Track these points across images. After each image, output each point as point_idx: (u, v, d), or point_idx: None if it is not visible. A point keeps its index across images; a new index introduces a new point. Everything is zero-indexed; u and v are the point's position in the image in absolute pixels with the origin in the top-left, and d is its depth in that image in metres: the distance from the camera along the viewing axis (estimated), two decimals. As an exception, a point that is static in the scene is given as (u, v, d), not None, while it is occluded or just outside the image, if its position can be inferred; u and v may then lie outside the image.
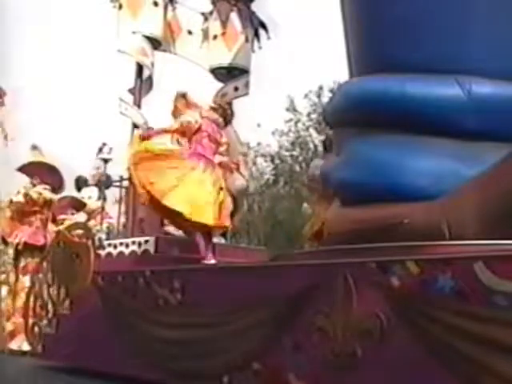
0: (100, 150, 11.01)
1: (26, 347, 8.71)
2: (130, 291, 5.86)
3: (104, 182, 9.60)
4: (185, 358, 5.19)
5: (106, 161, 10.91)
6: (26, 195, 9.76)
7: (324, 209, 6.22)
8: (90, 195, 10.28)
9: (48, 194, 9.89)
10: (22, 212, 9.84)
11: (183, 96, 7.69)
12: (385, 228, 4.50)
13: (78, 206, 9.61)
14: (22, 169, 10.07)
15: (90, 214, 9.61)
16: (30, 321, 7.48)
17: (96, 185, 9.81)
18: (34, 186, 9.98)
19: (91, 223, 9.17)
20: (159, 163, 5.91)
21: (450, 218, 4.32)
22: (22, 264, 9.60)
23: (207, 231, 6.02)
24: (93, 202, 10.21)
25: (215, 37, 7.86)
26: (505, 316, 3.30)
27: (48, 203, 9.90)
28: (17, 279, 9.52)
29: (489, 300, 3.35)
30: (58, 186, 10.14)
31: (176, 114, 7.72)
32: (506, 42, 4.91)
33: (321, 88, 22.92)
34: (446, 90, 4.80)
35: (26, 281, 9.32)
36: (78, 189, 10.77)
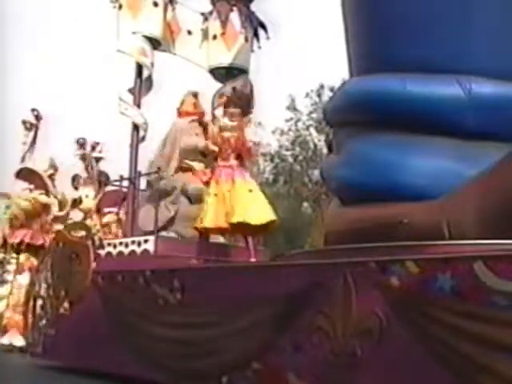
0: (93, 148, 11.07)
1: (17, 343, 8.84)
2: (130, 291, 5.86)
3: (101, 181, 9.58)
4: (185, 358, 5.19)
5: (97, 159, 10.98)
6: (18, 205, 10.01)
7: None
8: (87, 194, 10.29)
9: (43, 199, 10.08)
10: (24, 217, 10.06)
11: (195, 95, 7.66)
12: (384, 227, 4.50)
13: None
14: (19, 175, 10.27)
15: (87, 213, 9.61)
16: (30, 320, 7.48)
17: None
18: (31, 191, 10.19)
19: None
20: None
21: (449, 218, 4.32)
22: (19, 262, 9.74)
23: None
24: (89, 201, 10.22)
25: (215, 37, 7.85)
26: (505, 316, 3.30)
27: (48, 206, 10.10)
28: (14, 277, 9.66)
29: (489, 300, 3.35)
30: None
31: (181, 109, 7.72)
32: (506, 43, 4.91)
33: (321, 87, 22.90)
34: (447, 89, 4.80)
35: (20, 278, 9.47)
36: (75, 188, 10.79)
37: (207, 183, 6.42)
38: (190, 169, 7.27)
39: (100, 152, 10.97)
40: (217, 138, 6.24)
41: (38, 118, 10.74)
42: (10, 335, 9.18)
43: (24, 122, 10.75)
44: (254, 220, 5.92)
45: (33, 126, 10.65)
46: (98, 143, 11.11)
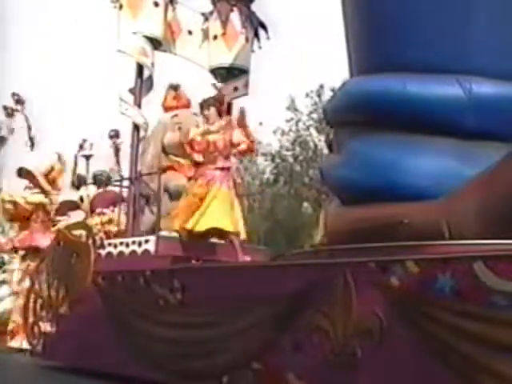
0: (81, 146, 11.06)
1: (27, 345, 8.81)
2: (131, 291, 5.86)
3: (102, 180, 9.57)
4: (185, 358, 5.19)
5: (87, 157, 10.98)
6: (14, 203, 9.99)
7: None
8: (88, 194, 10.28)
9: (35, 198, 10.06)
10: (19, 218, 10.05)
11: (174, 88, 7.71)
12: (384, 227, 4.50)
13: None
14: (21, 174, 10.26)
15: (88, 213, 9.60)
16: (30, 320, 7.48)
17: (94, 183, 9.79)
18: (30, 189, 10.17)
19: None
20: None
21: (449, 218, 4.32)
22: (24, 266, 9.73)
23: None
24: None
25: (215, 37, 7.85)
26: (505, 316, 3.30)
27: (41, 206, 10.09)
28: (21, 281, 9.64)
29: (489, 300, 3.36)
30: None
31: (165, 104, 7.76)
32: (506, 42, 4.91)
33: (321, 87, 22.90)
34: (447, 89, 4.79)
35: (26, 284, 9.45)
36: (77, 187, 10.78)
37: (191, 178, 6.44)
38: (171, 166, 7.31)
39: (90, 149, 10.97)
40: (201, 143, 6.20)
41: (19, 101, 10.58)
42: (19, 338, 9.18)
43: (5, 108, 10.58)
44: (201, 226, 5.93)
45: (14, 112, 10.50)
46: (85, 140, 11.10)
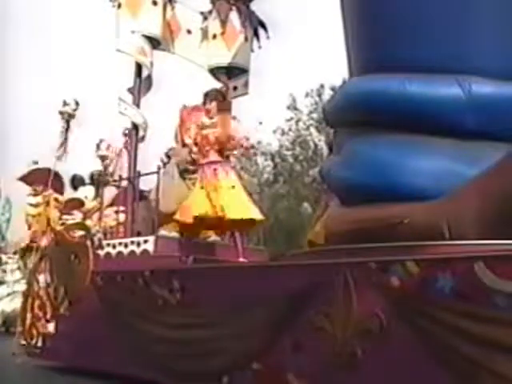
0: (97, 146, 10.97)
1: None
2: (130, 291, 5.85)
3: (101, 181, 9.54)
4: (185, 358, 5.19)
5: (103, 158, 10.89)
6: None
7: None
8: (86, 194, 10.25)
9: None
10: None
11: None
12: (385, 228, 4.49)
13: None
14: (23, 179, 10.20)
15: (86, 214, 9.57)
16: (28, 321, 7.48)
17: (93, 184, 9.77)
18: (36, 192, 10.10)
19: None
20: None
21: (450, 218, 4.31)
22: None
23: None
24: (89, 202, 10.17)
25: (214, 36, 7.85)
26: (505, 316, 3.29)
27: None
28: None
29: (489, 300, 3.35)
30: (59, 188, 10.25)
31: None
32: (506, 42, 4.90)
33: (322, 86, 22.90)
34: (446, 89, 4.78)
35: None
36: (74, 188, 10.75)
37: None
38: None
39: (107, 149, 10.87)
40: (196, 136, 6.25)
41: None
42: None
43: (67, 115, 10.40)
44: (233, 214, 5.95)
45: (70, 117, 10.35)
46: (102, 140, 11.01)
